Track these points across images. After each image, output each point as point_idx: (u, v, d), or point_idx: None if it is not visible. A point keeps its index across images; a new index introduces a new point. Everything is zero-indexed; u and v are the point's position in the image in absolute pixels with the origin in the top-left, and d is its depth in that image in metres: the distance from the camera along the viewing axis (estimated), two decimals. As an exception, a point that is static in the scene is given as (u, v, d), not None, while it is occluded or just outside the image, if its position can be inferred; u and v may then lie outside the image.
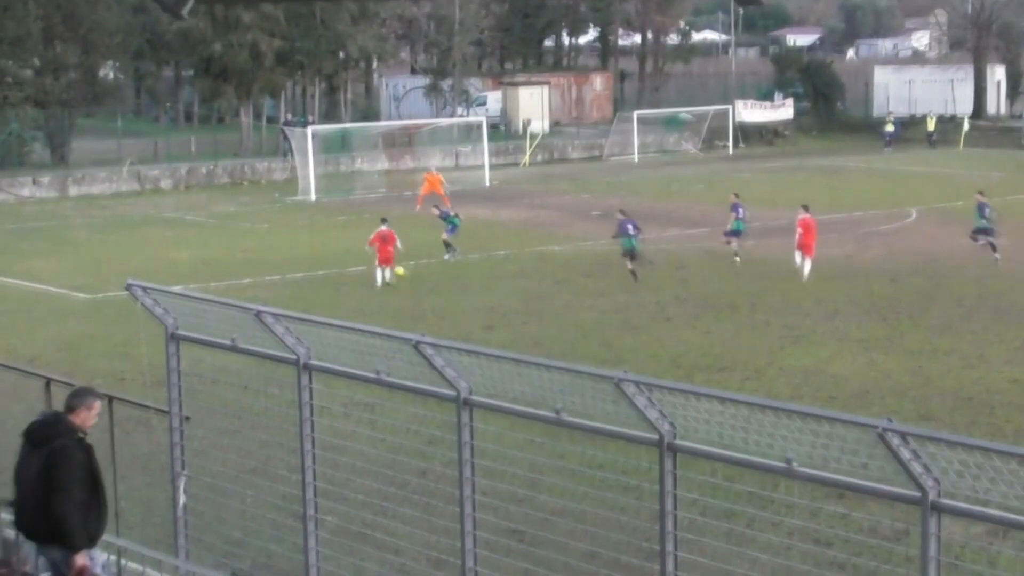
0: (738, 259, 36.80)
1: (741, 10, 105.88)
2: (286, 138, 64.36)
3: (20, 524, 10.93)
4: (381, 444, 13.15)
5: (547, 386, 9.89)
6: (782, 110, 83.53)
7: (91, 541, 10.61)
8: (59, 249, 42.91)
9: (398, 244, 34.74)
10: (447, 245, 38.50)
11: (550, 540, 11.96)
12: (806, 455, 8.53)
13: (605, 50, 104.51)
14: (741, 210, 37.75)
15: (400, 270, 34.85)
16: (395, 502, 12.90)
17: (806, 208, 35.71)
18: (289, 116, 74.55)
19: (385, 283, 34.38)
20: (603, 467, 11.26)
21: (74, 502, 10.47)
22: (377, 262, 34.56)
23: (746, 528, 11.70)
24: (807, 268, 34.68)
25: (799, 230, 35.15)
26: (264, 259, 39.64)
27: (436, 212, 39.80)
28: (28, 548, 12.39)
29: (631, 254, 34.71)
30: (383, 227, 34.84)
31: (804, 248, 34.89)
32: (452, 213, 39.95)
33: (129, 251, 42.02)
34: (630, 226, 34.74)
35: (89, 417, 10.90)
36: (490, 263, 38.59)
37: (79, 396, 10.95)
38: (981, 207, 36.89)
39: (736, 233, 37.58)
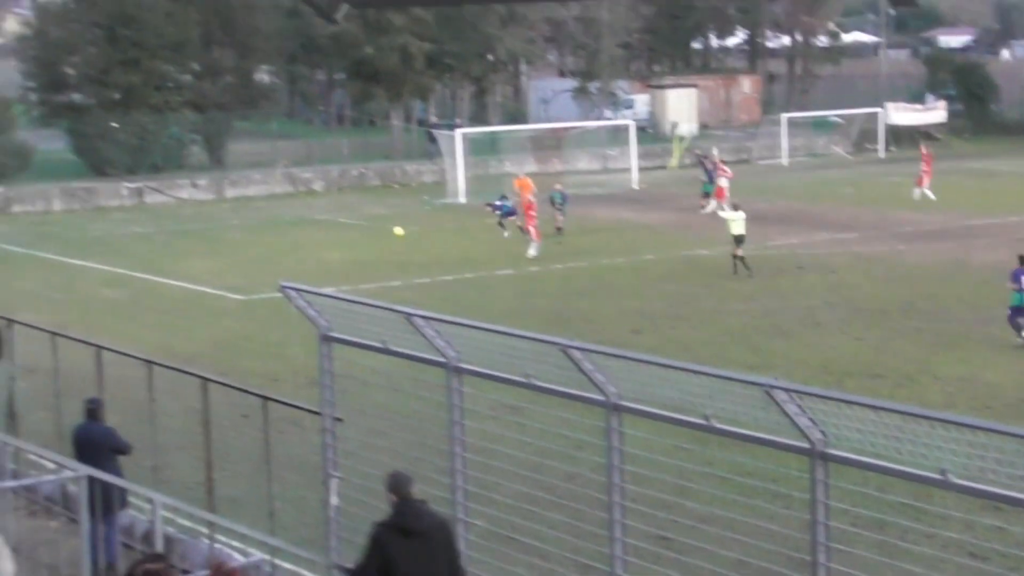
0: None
1: (892, 11, 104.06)
2: (433, 140, 64.80)
3: None
4: (529, 447, 13.19)
5: (695, 391, 9.82)
6: (934, 112, 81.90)
7: None
8: (215, 250, 43.80)
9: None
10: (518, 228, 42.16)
11: (698, 547, 11.90)
12: (961, 465, 8.37)
13: (753, 52, 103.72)
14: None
15: (399, 231, 43.06)
16: (543, 506, 12.92)
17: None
18: (435, 119, 75.05)
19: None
20: (752, 474, 11.18)
21: None
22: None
23: (899, 540, 11.53)
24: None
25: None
26: (413, 261, 40.03)
27: (489, 208, 44.37)
28: (189, 544, 12.66)
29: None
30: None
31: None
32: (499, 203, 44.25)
33: (282, 252, 42.74)
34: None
35: None
36: (637, 266, 38.51)
37: (400, 481, 10.79)
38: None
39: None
